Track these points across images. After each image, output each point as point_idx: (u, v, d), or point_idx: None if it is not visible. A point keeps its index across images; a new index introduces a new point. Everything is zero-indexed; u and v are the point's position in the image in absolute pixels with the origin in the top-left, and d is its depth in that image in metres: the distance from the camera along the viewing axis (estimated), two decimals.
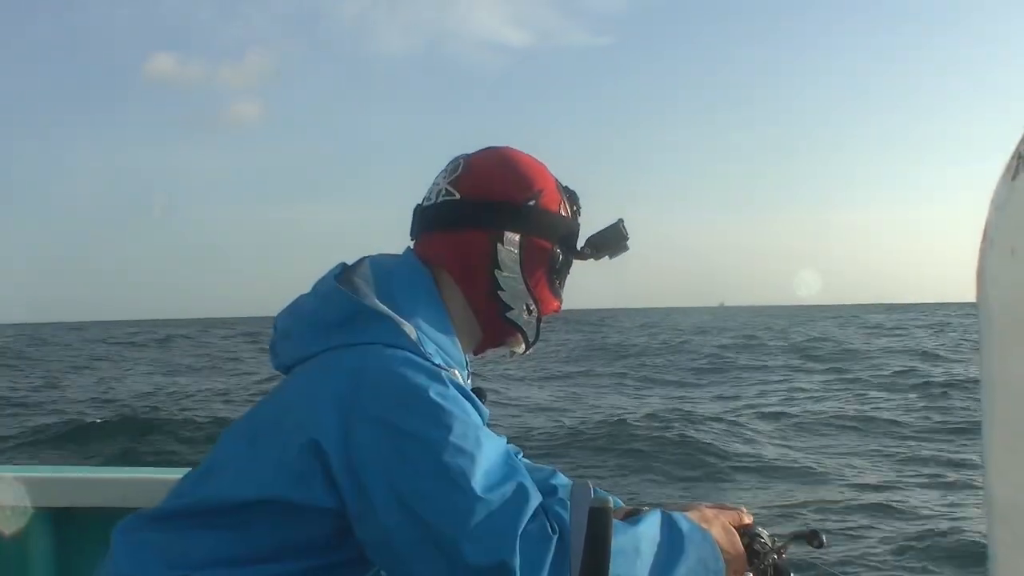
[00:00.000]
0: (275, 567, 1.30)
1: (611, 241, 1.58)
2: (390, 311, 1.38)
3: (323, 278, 1.47)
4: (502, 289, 1.50)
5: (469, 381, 1.50)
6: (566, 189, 1.57)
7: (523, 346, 1.58)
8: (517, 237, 1.49)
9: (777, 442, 11.27)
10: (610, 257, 1.59)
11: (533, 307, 1.53)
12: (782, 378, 19.65)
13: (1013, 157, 0.43)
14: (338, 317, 1.39)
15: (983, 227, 0.45)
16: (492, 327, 1.53)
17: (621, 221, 1.58)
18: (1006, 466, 0.45)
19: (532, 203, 1.51)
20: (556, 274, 1.56)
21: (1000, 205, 0.44)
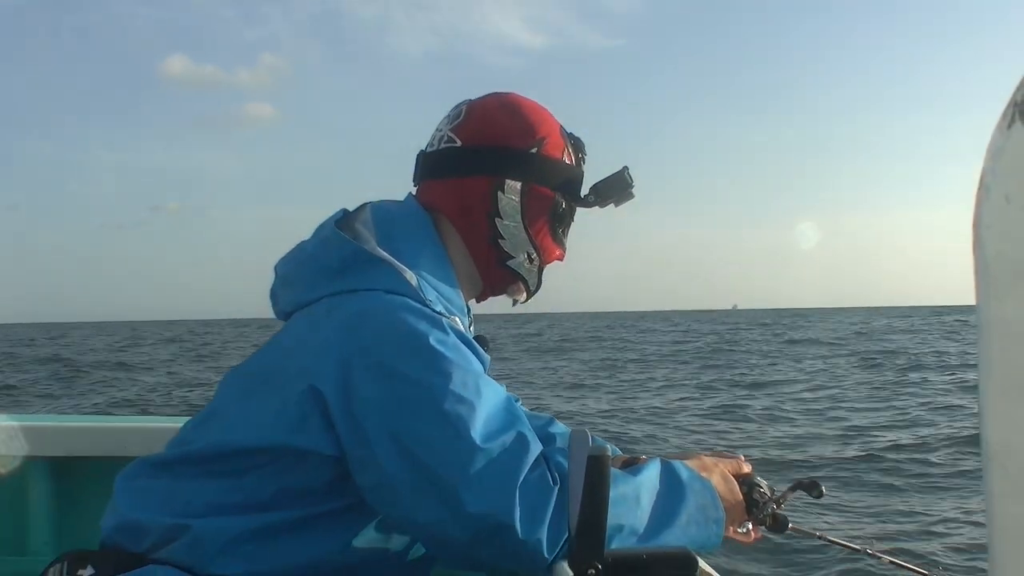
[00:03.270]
0: (276, 514, 1.30)
1: (616, 188, 1.56)
2: (390, 256, 1.37)
3: (324, 223, 1.46)
4: (503, 237, 1.49)
5: (471, 328, 1.50)
6: (571, 136, 1.55)
7: (524, 294, 1.58)
8: (519, 185, 1.48)
9: None
10: (615, 205, 1.57)
11: (535, 255, 1.53)
12: None
13: (1009, 106, 0.43)
14: (338, 262, 1.38)
15: (979, 175, 0.46)
16: (493, 275, 1.53)
17: (626, 168, 1.56)
18: (1000, 408, 0.46)
19: (535, 150, 1.49)
20: (559, 222, 1.54)
21: (995, 153, 0.44)
